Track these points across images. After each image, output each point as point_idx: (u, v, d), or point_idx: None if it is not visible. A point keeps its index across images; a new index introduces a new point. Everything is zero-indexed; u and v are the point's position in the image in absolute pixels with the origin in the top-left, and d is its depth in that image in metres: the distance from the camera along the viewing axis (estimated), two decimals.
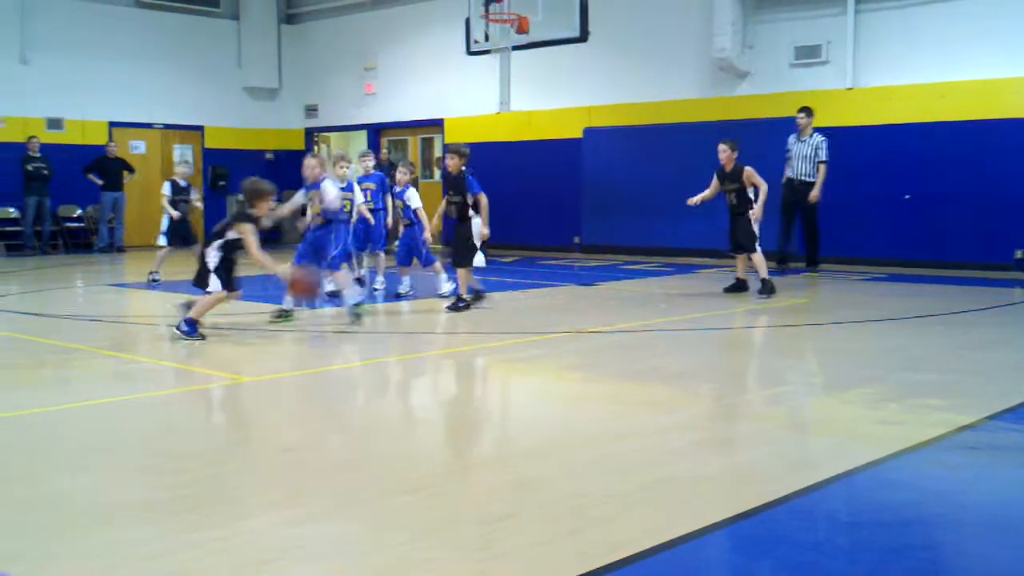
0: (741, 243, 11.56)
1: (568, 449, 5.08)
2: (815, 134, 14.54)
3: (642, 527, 3.81)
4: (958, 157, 14.26)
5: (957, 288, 12.27)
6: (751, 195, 11.50)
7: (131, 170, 19.94)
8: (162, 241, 13.72)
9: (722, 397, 6.34)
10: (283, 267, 8.99)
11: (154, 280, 13.35)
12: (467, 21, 15.65)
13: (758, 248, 11.48)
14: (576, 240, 18.40)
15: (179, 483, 4.43)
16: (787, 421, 5.76)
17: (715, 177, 11.79)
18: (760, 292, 11.24)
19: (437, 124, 20.87)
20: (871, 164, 15.02)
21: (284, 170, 23.34)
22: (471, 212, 10.10)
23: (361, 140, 23.41)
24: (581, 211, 18.28)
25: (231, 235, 8.72)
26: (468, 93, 19.78)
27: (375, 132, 22.34)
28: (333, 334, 9.10)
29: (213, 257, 8.70)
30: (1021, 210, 13.81)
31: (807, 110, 14.63)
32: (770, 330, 9.31)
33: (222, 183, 22.54)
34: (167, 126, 21.83)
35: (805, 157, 14.54)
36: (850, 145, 15.19)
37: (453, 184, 10.24)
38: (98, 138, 20.30)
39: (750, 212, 11.45)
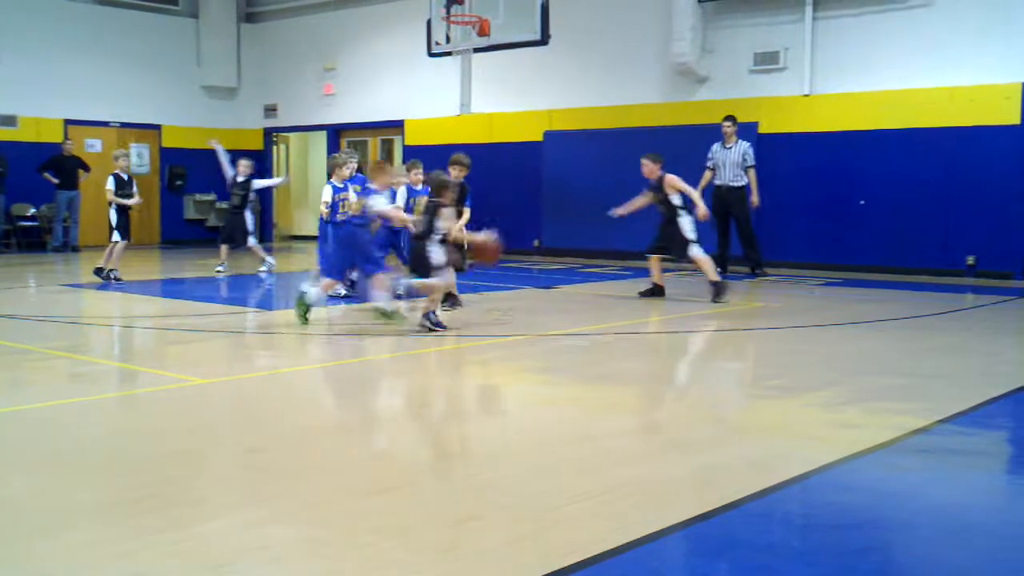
0: (665, 246, 11.71)
1: (531, 451, 5.10)
2: (740, 141, 14.85)
3: (604, 528, 3.84)
4: (913, 164, 14.47)
5: (911, 293, 12.45)
6: (678, 201, 11.63)
7: (87, 169, 19.71)
8: (115, 236, 13.58)
9: (681, 400, 6.39)
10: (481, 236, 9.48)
11: (116, 279, 13.23)
12: (428, 23, 15.63)
13: (698, 250, 11.48)
14: (536, 243, 18.45)
15: (139, 484, 4.40)
16: (745, 424, 5.82)
17: (646, 189, 11.91)
18: (714, 298, 11.24)
19: (397, 125, 20.84)
20: (827, 170, 15.20)
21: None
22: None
23: (321, 141, 23.33)
24: (541, 214, 18.33)
25: (440, 226, 9.02)
26: (429, 95, 19.77)
27: (335, 133, 22.26)
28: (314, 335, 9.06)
29: (437, 252, 8.93)
30: (973, 217, 14.05)
31: (732, 118, 14.93)
32: (728, 334, 9.40)
33: (179, 183, 22.35)
34: (124, 125, 21.60)
35: (733, 163, 14.88)
36: (807, 151, 15.38)
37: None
38: (53, 136, 20.06)
39: (679, 219, 11.52)
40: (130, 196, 13.68)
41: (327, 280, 9.76)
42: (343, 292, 11.36)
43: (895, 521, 4.05)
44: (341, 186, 11.00)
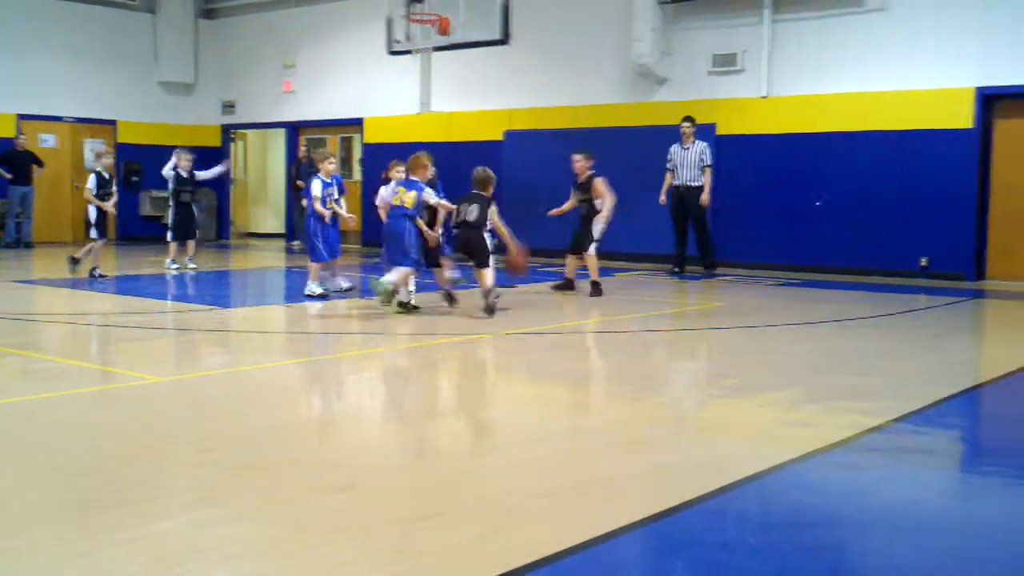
0: (579, 243, 12.10)
1: (490, 450, 5.10)
2: (697, 141, 15.03)
3: (562, 526, 3.85)
4: (869, 166, 14.65)
5: (865, 294, 12.59)
6: (599, 205, 11.99)
7: (40, 164, 19.44)
8: (93, 234, 13.42)
9: (640, 399, 6.42)
10: (516, 243, 10.48)
11: (100, 276, 13.09)
12: (388, 20, 15.61)
13: (592, 250, 11.99)
14: (495, 242, 18.39)
15: (92, 484, 4.35)
16: (704, 423, 5.86)
17: (573, 187, 12.17)
18: (591, 294, 11.80)
19: (357, 123, 20.76)
20: (784, 171, 15.34)
21: (201, 166, 22.98)
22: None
23: (279, 138, 23.18)
24: (501, 213, 18.26)
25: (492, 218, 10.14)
26: (389, 93, 19.71)
27: (294, 130, 22.14)
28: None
29: (489, 242, 10.07)
30: (927, 219, 14.24)
31: (691, 119, 15.13)
32: (687, 333, 9.46)
33: (135, 179, 22.11)
34: (78, 120, 21.34)
35: (692, 163, 15.06)
36: (764, 152, 15.52)
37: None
38: (5, 130, 19.76)
39: (596, 218, 11.96)
40: (109, 195, 13.51)
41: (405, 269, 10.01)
42: (346, 286, 11.46)
43: (849, 519, 4.09)
44: (329, 181, 11.51)
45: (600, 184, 11.82)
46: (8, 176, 18.83)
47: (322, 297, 11.23)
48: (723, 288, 13.37)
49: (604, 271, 15.16)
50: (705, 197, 14.93)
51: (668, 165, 15.21)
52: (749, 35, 15.63)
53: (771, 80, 15.48)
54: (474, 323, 9.72)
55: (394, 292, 9.73)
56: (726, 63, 15.83)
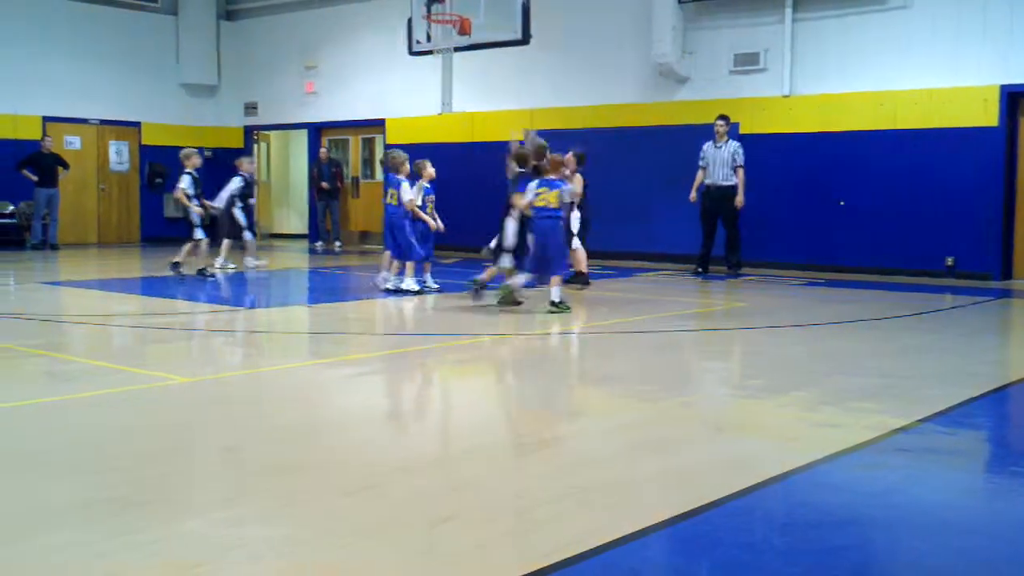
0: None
1: (508, 451, 5.10)
2: (731, 140, 14.91)
3: (583, 529, 3.84)
4: (893, 165, 14.55)
5: (891, 294, 12.51)
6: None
7: (66, 166, 19.59)
8: (198, 235, 13.64)
9: (659, 400, 6.40)
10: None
11: (209, 275, 13.40)
12: (409, 21, 15.61)
13: (575, 243, 12.16)
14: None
15: (116, 483, 4.37)
16: (727, 423, 5.83)
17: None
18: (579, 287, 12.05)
19: (378, 124, 20.80)
20: (807, 171, 15.27)
21: (222, 168, 23.12)
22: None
23: (301, 139, 23.26)
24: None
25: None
26: (410, 94, 19.74)
27: (316, 131, 22.20)
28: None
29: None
30: (952, 218, 14.13)
31: (725, 117, 14.97)
32: (708, 334, 9.42)
33: (159, 180, 22.24)
34: (103, 122, 21.49)
35: (723, 163, 14.96)
36: (787, 152, 15.45)
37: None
38: (31, 133, 19.92)
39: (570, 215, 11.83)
40: (202, 195, 13.73)
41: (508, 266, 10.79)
42: (390, 286, 11.64)
43: (874, 520, 4.06)
44: (428, 186, 12.09)
45: (579, 181, 12.15)
46: (34, 178, 18.98)
47: (418, 293, 11.71)
48: (747, 288, 13.31)
49: (625, 271, 15.13)
50: (739, 198, 14.86)
51: (700, 163, 15.15)
52: (771, 34, 15.56)
53: (793, 79, 15.41)
54: (492, 323, 9.71)
55: (512, 292, 10.54)
56: (748, 62, 15.77)
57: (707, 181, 15.06)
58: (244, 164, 15.03)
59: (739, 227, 15.09)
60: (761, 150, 15.62)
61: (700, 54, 16.28)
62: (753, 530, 3.96)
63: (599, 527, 3.85)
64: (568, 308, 10.25)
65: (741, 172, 14.88)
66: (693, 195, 15.20)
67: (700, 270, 15.13)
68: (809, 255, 15.31)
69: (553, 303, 10.18)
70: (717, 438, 5.40)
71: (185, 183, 13.44)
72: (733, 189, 14.90)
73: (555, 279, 10.29)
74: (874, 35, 14.68)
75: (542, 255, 10.29)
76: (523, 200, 10.41)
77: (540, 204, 10.24)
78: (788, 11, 15.31)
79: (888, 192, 14.59)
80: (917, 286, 13.42)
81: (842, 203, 14.96)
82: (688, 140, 16.09)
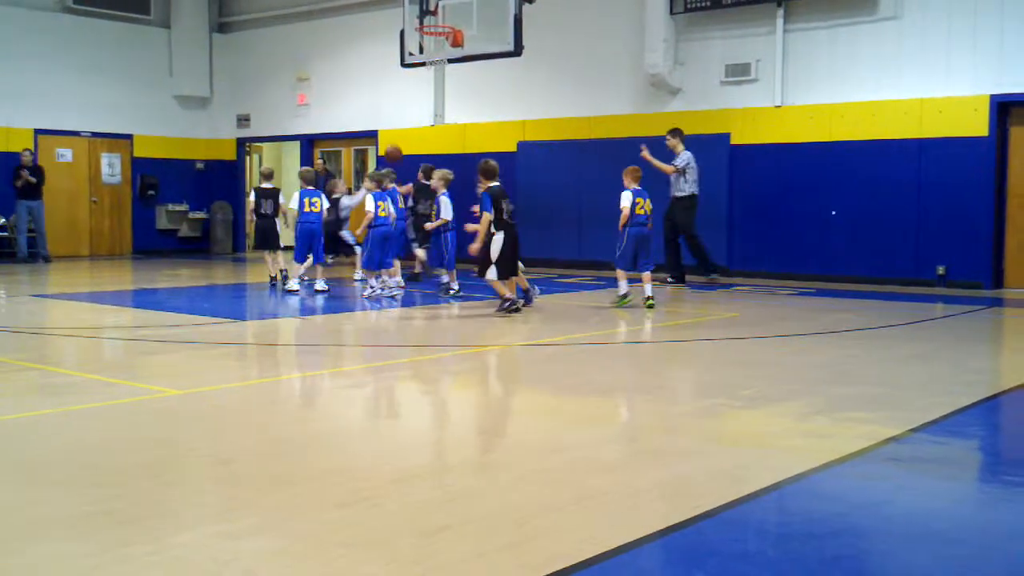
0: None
1: (504, 461, 5.10)
2: (685, 152, 14.84)
3: (577, 539, 3.85)
4: (884, 175, 14.60)
5: (882, 303, 12.55)
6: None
7: (38, 178, 19.26)
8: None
9: (653, 410, 6.41)
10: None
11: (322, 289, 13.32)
12: (402, 33, 15.65)
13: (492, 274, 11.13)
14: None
15: (110, 497, 4.37)
16: (718, 434, 5.84)
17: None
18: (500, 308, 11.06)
19: (371, 135, 20.82)
20: (799, 181, 15.32)
21: (215, 180, 23.13)
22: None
23: (294, 151, 23.27)
24: (520, 224, 18.29)
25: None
26: (402, 105, 19.77)
27: (308, 143, 22.22)
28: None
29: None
30: (943, 227, 14.19)
31: (672, 131, 15.00)
32: (701, 344, 9.43)
33: (151, 192, 22.24)
34: (95, 134, 21.48)
35: (674, 177, 14.92)
36: (778, 162, 15.50)
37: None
38: (23, 145, 19.88)
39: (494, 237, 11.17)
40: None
41: (621, 271, 11.94)
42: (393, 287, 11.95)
43: (867, 529, 4.08)
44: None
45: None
46: (32, 180, 18.87)
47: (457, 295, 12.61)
48: (738, 298, 13.34)
49: (616, 283, 15.12)
50: (644, 152, 14.58)
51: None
52: (762, 45, 15.63)
53: (785, 89, 15.48)
54: (488, 334, 9.73)
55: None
56: (739, 73, 15.83)
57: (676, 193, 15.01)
58: (339, 186, 15.29)
59: (697, 233, 14.97)
60: (753, 160, 15.69)
61: (692, 65, 16.34)
62: (747, 540, 3.97)
63: (595, 537, 3.85)
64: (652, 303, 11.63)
65: (670, 166, 14.77)
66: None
67: (671, 279, 15.04)
68: (801, 265, 15.35)
69: (647, 298, 11.68)
70: (711, 448, 5.41)
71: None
72: (685, 199, 14.78)
73: (646, 276, 11.84)
74: (865, 45, 14.75)
75: (641, 255, 11.80)
76: (625, 210, 11.66)
77: (639, 212, 11.68)
78: (779, 22, 15.38)
79: (879, 201, 14.65)
80: (909, 295, 13.46)
81: (834, 212, 15.02)
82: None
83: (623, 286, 11.94)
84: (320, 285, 13.24)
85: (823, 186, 15.14)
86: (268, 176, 14.49)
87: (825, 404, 6.44)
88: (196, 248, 22.81)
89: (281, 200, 14.03)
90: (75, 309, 11.96)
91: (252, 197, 14.63)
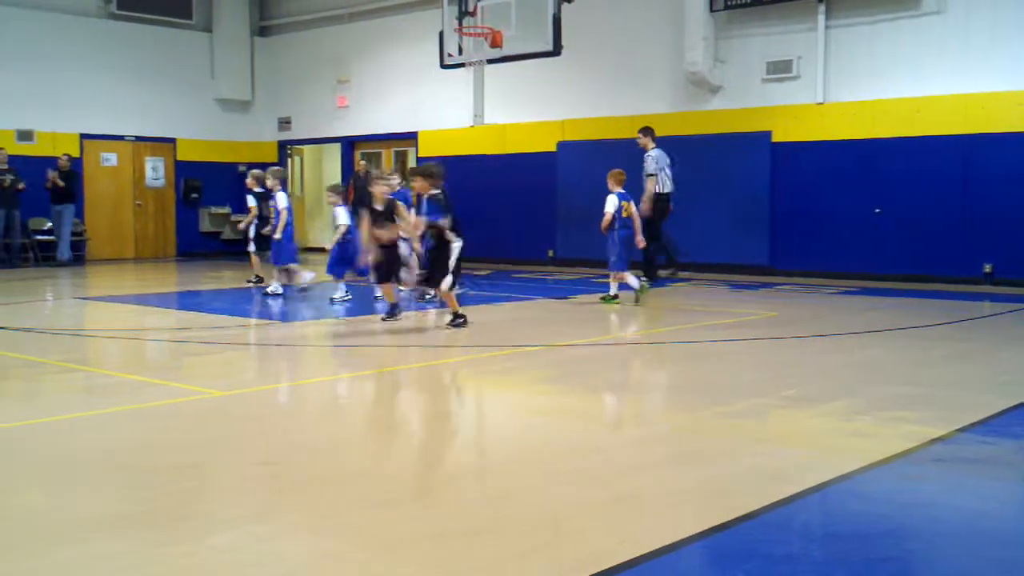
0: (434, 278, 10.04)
1: (541, 462, 5.07)
2: (654, 150, 14.54)
3: (616, 540, 3.81)
4: (928, 172, 14.40)
5: (927, 301, 12.38)
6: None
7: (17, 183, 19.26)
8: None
9: (694, 410, 6.35)
10: None
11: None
12: (441, 34, 15.66)
13: (447, 285, 9.98)
14: (550, 253, 18.43)
15: (149, 497, 4.39)
16: (760, 434, 5.78)
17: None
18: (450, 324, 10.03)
19: (411, 137, 20.88)
20: (842, 178, 15.15)
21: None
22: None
23: (335, 153, 23.40)
24: (555, 224, 18.31)
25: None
26: (442, 106, 19.81)
27: (349, 145, 22.32)
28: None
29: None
30: (990, 224, 13.96)
31: (643, 129, 14.72)
32: (741, 343, 9.34)
33: (194, 195, 22.46)
34: (139, 138, 21.72)
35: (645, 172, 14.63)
36: (821, 159, 15.34)
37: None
38: (69, 150, 20.15)
39: (451, 245, 9.95)
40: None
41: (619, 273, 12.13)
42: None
43: (913, 530, 4.01)
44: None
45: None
46: (60, 184, 19.03)
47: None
48: (781, 297, 13.22)
49: (657, 282, 15.05)
50: (644, 206, 13.93)
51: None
52: (803, 41, 15.47)
53: (827, 86, 15.31)
54: (519, 335, 9.71)
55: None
56: (781, 70, 15.68)
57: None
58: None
59: (653, 237, 14.10)
60: (795, 158, 15.54)
61: (732, 63, 16.22)
62: (790, 542, 3.92)
63: (635, 538, 3.82)
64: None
65: (650, 181, 14.36)
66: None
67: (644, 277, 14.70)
68: (844, 263, 15.18)
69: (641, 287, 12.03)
70: (753, 449, 5.35)
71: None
72: (665, 198, 14.47)
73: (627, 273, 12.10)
74: (908, 41, 14.55)
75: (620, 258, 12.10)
76: (609, 214, 11.93)
77: (625, 215, 11.99)
78: (821, 18, 15.22)
79: (924, 199, 14.44)
80: (955, 293, 13.26)
81: (878, 211, 14.83)
82: (721, 149, 16.04)
83: (614, 287, 12.18)
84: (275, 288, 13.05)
85: (866, 183, 14.95)
86: (261, 180, 14.37)
87: (868, 404, 6.35)
88: (239, 250, 22.97)
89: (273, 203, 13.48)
90: (119, 311, 12.08)
91: (254, 202, 14.44)
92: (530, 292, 13.93)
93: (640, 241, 12.29)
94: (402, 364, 8.35)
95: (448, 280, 9.84)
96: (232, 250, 22.84)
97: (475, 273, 16.96)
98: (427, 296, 12.14)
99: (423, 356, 8.69)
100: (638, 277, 12.35)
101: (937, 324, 10.23)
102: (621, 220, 11.97)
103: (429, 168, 10.33)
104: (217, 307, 12.60)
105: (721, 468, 4.90)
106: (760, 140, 15.70)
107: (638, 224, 12.23)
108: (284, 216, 13.05)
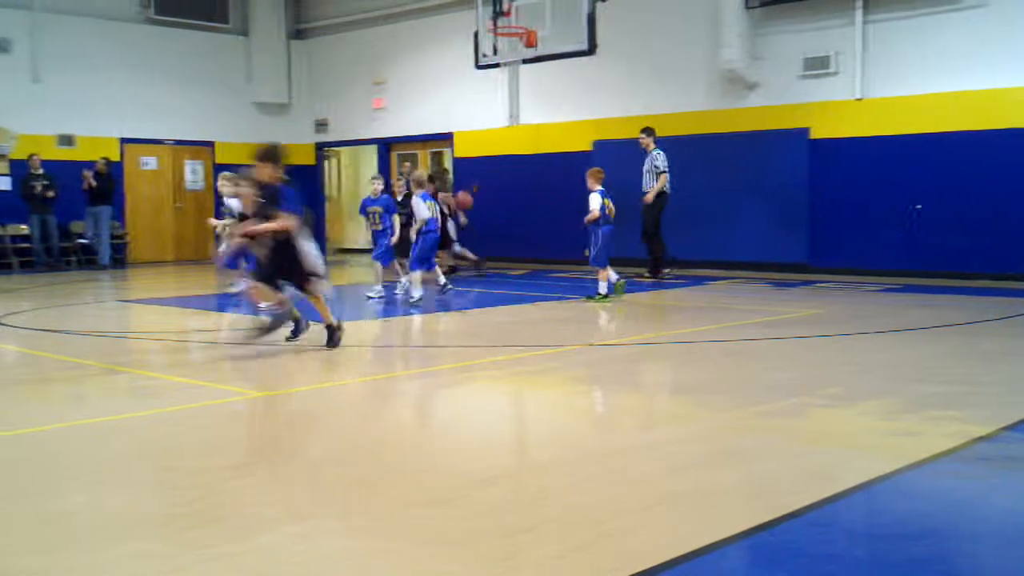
0: (294, 279, 8.79)
1: (582, 462, 5.07)
2: (656, 150, 15.52)
3: (659, 540, 3.81)
4: (969, 167, 14.23)
5: (971, 298, 12.24)
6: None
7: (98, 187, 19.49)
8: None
9: (735, 409, 6.32)
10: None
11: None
12: (475, 35, 15.69)
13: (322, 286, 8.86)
14: (586, 253, 18.36)
15: (194, 497, 4.44)
16: (802, 433, 5.74)
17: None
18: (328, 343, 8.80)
19: (447, 138, 20.92)
20: (881, 175, 15.00)
21: (296, 185, 23.43)
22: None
23: (371, 155, 23.50)
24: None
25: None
26: (477, 106, 19.83)
27: (385, 146, 22.40)
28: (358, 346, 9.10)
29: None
30: None
31: (645, 130, 15.74)
32: (781, 342, 9.29)
33: None
34: (178, 142, 21.93)
35: (648, 171, 15.59)
36: (859, 156, 15.21)
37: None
38: (109, 154, 20.37)
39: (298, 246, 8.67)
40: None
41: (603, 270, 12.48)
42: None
43: (956, 531, 3.97)
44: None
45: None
46: (93, 184, 19.12)
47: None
48: (822, 295, 13.12)
49: (697, 280, 14.99)
50: (649, 195, 15.46)
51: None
52: (841, 37, 15.34)
53: (865, 82, 15.17)
54: (555, 335, 9.70)
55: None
56: (818, 66, 15.56)
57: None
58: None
59: (651, 235, 15.57)
60: (834, 154, 15.41)
61: (769, 59, 16.11)
62: (834, 541, 3.90)
63: (678, 538, 3.81)
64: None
65: (662, 177, 15.39)
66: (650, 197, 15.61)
67: (647, 275, 15.66)
68: (885, 260, 15.03)
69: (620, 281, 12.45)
70: (796, 447, 5.32)
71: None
72: (665, 197, 15.44)
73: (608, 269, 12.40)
74: (949, 35, 14.38)
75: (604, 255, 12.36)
76: (595, 212, 12.30)
77: (608, 212, 12.31)
78: (858, 13, 15.08)
79: (967, 194, 14.27)
80: (999, 290, 13.10)
81: (919, 207, 14.67)
82: (758, 147, 15.94)
83: (603, 286, 12.46)
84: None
85: (907, 179, 14.80)
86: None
87: (912, 402, 6.30)
88: None
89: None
90: (161, 313, 12.20)
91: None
92: (566, 291, 13.92)
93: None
94: (438, 365, 8.37)
95: (325, 284, 8.68)
96: None
97: (510, 272, 16.98)
98: (447, 289, 12.35)
99: (458, 356, 8.71)
100: (621, 275, 12.82)
101: (980, 321, 10.11)
102: (604, 216, 12.42)
103: (274, 150, 8.97)
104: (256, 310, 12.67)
105: (763, 467, 4.88)
106: (797, 137, 15.59)
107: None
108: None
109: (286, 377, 7.84)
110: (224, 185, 12.85)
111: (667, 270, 15.71)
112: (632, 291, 13.39)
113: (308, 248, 8.70)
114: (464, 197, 16.86)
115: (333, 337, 8.77)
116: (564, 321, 10.95)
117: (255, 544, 3.84)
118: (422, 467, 5.06)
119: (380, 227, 13.05)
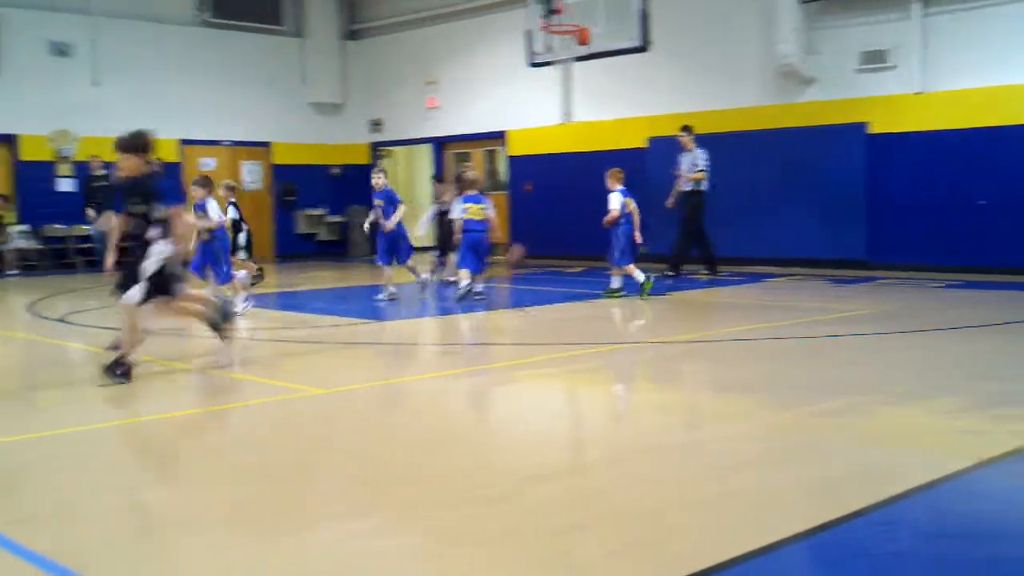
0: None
1: (638, 459, 5.05)
2: (696, 149, 15.51)
3: (717, 538, 3.77)
4: None
5: None
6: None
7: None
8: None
9: (797, 407, 6.25)
10: None
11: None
12: (528, 33, 15.68)
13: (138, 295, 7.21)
14: (642, 250, 18.28)
15: (253, 493, 4.49)
16: (865, 431, 5.66)
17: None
18: (110, 373, 7.15)
19: (500, 136, 20.94)
20: (943, 169, 14.76)
21: (351, 184, 23.62)
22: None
23: (425, 154, 23.60)
24: (647, 221, 18.14)
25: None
26: (530, 105, 19.81)
27: (439, 146, 22.48)
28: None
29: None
30: None
31: (685, 128, 15.68)
32: (843, 339, 9.17)
33: (290, 198, 22.87)
34: (235, 143, 22.19)
35: (687, 170, 15.57)
36: (921, 150, 14.97)
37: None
38: (169, 155, 20.65)
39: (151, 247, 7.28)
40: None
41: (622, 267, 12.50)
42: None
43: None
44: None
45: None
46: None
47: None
48: (884, 292, 12.93)
49: (754, 277, 14.85)
50: (671, 200, 15.77)
51: (676, 173, 15.80)
52: (898, 30, 15.11)
53: (925, 75, 14.93)
54: (611, 332, 9.67)
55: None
56: (876, 60, 15.34)
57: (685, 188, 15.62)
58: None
59: (685, 235, 15.69)
60: (894, 149, 15.19)
61: (825, 54, 15.91)
62: (899, 540, 3.84)
63: (736, 537, 3.78)
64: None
65: (699, 174, 15.42)
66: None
67: (707, 272, 15.67)
68: (947, 257, 14.77)
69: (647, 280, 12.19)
70: (860, 446, 5.25)
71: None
72: (690, 195, 15.49)
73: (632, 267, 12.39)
74: (1009, 26, 14.10)
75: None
76: (615, 211, 12.48)
77: (629, 211, 12.40)
78: (916, 6, 14.83)
79: None
80: None
81: (982, 202, 14.41)
82: (815, 142, 15.76)
83: (617, 281, 12.63)
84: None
85: (968, 174, 14.53)
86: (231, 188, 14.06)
87: (978, 400, 6.19)
88: (335, 251, 23.35)
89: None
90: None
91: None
92: (624, 289, 13.86)
93: (639, 237, 12.61)
94: (494, 363, 8.37)
95: (138, 290, 7.11)
96: (328, 251, 23.19)
97: (568, 270, 16.97)
98: (477, 296, 12.06)
99: (514, 353, 8.71)
100: (646, 273, 12.52)
101: None
102: (625, 216, 12.48)
103: (138, 137, 8.03)
104: (316, 307, 12.81)
105: (828, 466, 4.82)
106: (855, 132, 15.39)
107: (638, 220, 12.64)
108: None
109: (344, 375, 7.88)
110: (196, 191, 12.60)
111: (684, 268, 15.82)
112: (688, 288, 13.29)
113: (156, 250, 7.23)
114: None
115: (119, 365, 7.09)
116: (620, 319, 10.92)
117: (308, 541, 3.87)
118: (474, 464, 5.06)
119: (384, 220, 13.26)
